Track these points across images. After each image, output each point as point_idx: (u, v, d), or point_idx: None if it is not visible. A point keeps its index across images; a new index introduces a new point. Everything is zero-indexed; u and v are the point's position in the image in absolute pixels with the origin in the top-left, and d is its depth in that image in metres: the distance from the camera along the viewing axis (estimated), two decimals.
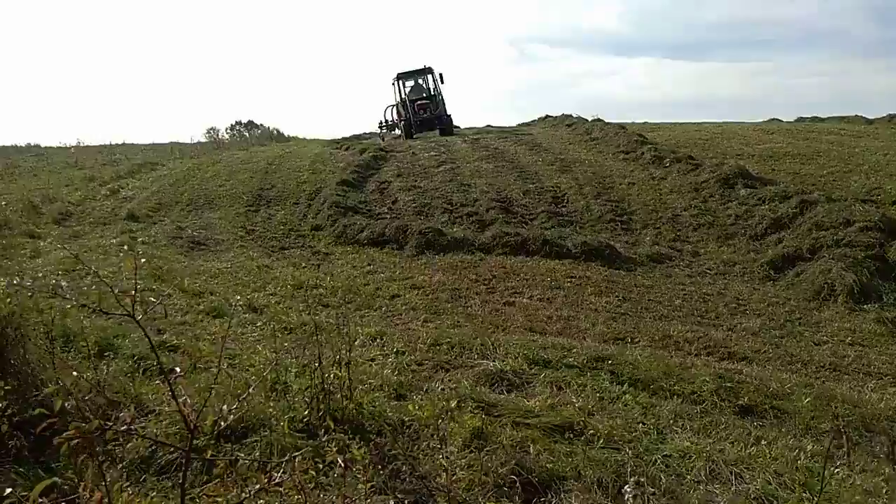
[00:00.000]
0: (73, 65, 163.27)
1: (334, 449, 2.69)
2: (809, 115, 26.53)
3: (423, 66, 26.21)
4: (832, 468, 3.68)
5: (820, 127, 22.36)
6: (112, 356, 4.87)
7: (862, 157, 15.33)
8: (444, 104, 25.72)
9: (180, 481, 2.26)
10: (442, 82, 25.74)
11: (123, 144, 29.97)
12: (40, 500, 1.92)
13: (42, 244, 11.10)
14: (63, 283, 7.74)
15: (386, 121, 27.20)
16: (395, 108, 26.49)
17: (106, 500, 2.04)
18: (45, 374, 3.66)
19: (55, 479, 2.07)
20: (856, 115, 24.77)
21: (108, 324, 5.35)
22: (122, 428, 2.09)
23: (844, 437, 3.95)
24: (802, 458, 3.82)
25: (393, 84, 26.15)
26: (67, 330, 4.95)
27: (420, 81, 26.40)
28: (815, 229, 10.76)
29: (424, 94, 25.91)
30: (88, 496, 2.02)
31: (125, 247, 10.65)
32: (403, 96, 25.91)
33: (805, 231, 10.88)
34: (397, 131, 26.49)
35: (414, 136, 24.36)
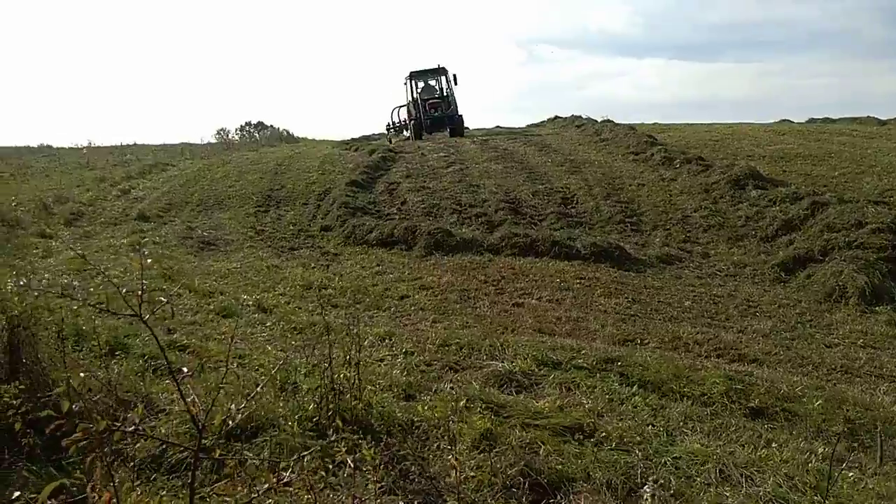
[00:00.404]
0: (84, 66, 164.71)
1: (343, 449, 2.69)
2: (821, 116, 26.31)
3: (437, 66, 25.76)
4: (845, 471, 3.65)
5: (831, 128, 22.17)
6: (123, 355, 4.92)
7: (874, 159, 15.20)
8: (455, 104, 25.34)
9: (189, 480, 2.26)
10: (455, 83, 25.37)
11: (134, 145, 30.26)
12: (49, 501, 1.92)
13: (54, 244, 11.21)
14: (75, 283, 7.83)
15: (393, 123, 26.79)
16: (403, 108, 26.13)
17: (114, 500, 2.05)
18: (56, 374, 3.69)
19: (63, 481, 2.08)
20: (868, 116, 24.55)
21: (118, 323, 5.39)
22: (130, 428, 2.10)
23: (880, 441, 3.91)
24: (814, 460, 3.79)
25: (405, 83, 25.72)
26: (79, 329, 5.01)
27: (432, 82, 26.01)
28: (827, 231, 10.68)
29: (437, 95, 25.53)
30: (97, 497, 2.03)
31: (138, 246, 10.74)
32: (415, 95, 25.47)
33: (816, 233, 10.80)
34: (406, 133, 26.07)
35: (423, 137, 24.07)
